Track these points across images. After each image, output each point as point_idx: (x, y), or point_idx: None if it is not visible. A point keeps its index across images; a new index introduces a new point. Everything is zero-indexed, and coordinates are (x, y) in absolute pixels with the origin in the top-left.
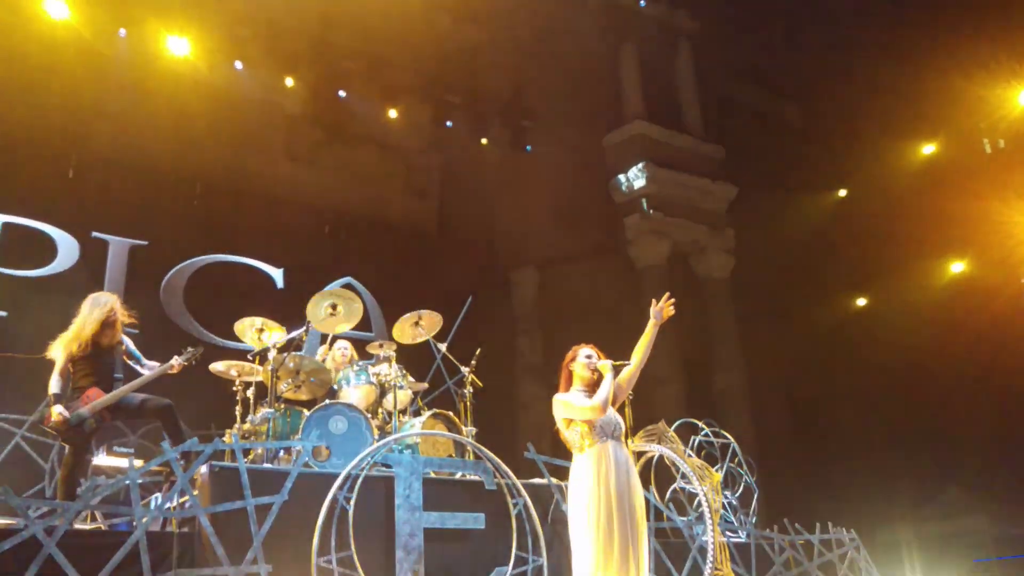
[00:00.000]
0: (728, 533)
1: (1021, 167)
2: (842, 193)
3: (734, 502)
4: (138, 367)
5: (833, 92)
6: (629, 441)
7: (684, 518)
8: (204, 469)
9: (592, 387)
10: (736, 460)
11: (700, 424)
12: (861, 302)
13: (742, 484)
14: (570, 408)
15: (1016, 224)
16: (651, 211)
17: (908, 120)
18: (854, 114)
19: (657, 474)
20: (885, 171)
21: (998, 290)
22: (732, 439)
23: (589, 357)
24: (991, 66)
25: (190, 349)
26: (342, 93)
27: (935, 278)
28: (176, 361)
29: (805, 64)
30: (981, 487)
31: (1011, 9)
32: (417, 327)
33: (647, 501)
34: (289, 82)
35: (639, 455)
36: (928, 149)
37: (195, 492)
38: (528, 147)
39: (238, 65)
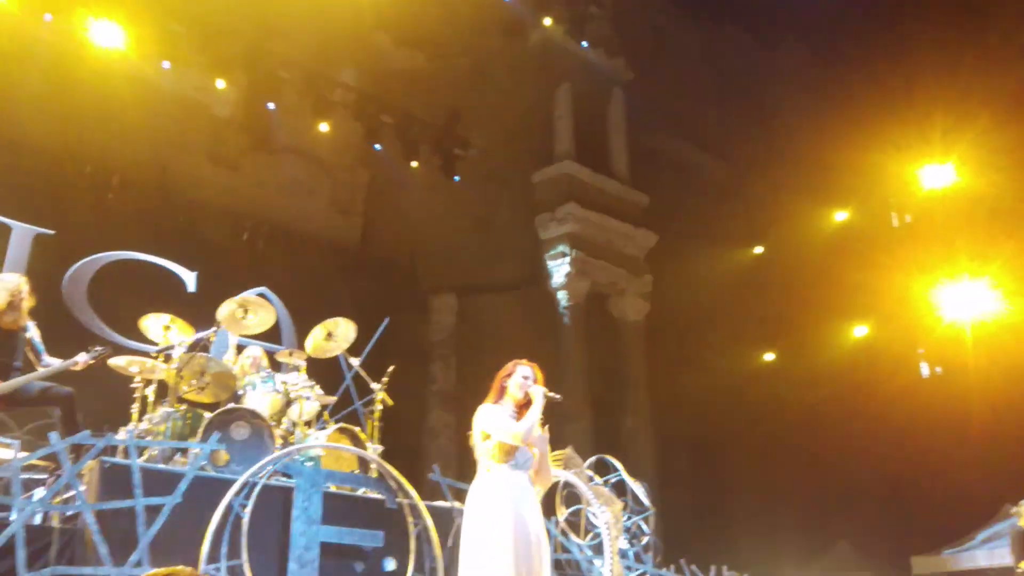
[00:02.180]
0: (627, 567)
1: (924, 243)
2: (758, 250)
3: (641, 524)
4: (36, 361)
5: (756, 153)
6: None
7: (582, 552)
8: (93, 465)
9: (521, 408)
10: (632, 495)
11: (613, 461)
12: (768, 356)
13: (639, 517)
14: (493, 425)
15: (917, 297)
16: (573, 251)
17: (824, 187)
18: (774, 176)
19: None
20: (799, 233)
21: (899, 357)
22: (630, 479)
23: (526, 378)
24: (901, 144)
25: (98, 348)
26: (273, 103)
27: (839, 340)
28: (82, 358)
29: (732, 124)
30: (869, 545)
31: (916, 94)
32: (330, 339)
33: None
34: (220, 84)
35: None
36: (841, 216)
37: (82, 488)
38: (457, 176)
39: (166, 64)
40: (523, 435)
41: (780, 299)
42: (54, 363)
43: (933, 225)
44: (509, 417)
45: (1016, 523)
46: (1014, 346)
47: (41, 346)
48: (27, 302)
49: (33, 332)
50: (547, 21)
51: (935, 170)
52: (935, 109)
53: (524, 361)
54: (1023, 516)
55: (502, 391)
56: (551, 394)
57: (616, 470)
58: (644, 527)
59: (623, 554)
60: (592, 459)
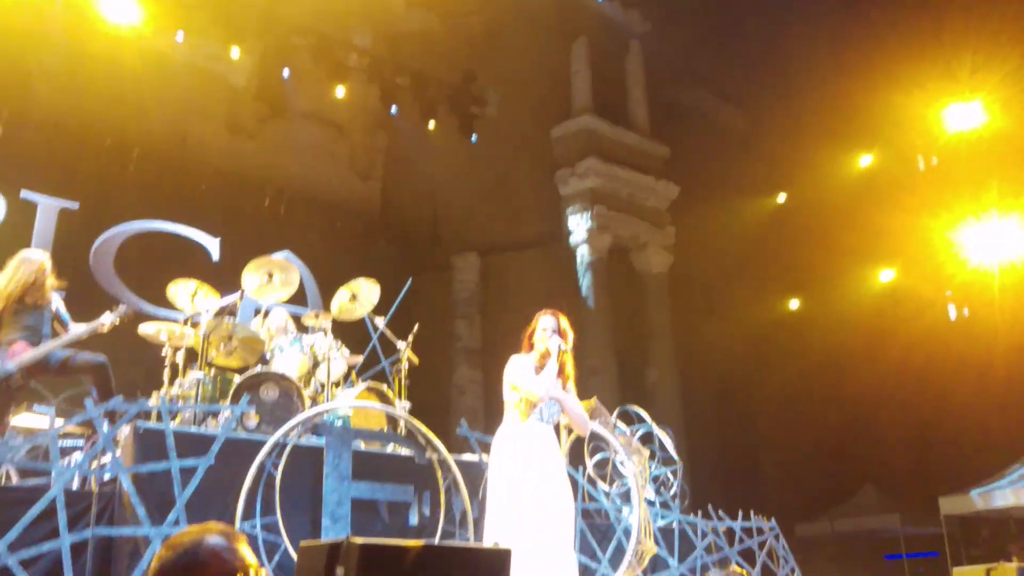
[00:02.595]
0: (656, 515)
1: (951, 185)
2: (781, 198)
3: (669, 475)
4: (63, 330)
5: (777, 101)
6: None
7: (609, 502)
8: (128, 430)
9: (544, 359)
10: (660, 444)
11: (641, 412)
12: (794, 304)
13: (669, 470)
14: (517, 377)
15: (943, 240)
16: (594, 205)
17: (847, 132)
18: (796, 122)
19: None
20: (823, 179)
21: (924, 301)
22: (658, 428)
23: (544, 330)
24: (927, 86)
25: (122, 306)
26: (288, 69)
27: (866, 285)
28: (107, 319)
29: (751, 72)
30: (895, 488)
31: (943, 32)
32: (354, 301)
33: (575, 481)
34: (235, 53)
35: (570, 430)
36: (865, 161)
37: (118, 452)
38: (475, 136)
39: (180, 36)
40: (541, 391)
41: (804, 246)
42: (80, 328)
43: (960, 167)
44: (531, 370)
45: None
46: None
47: (67, 316)
48: (50, 280)
49: (58, 303)
50: None
51: (962, 110)
52: (962, 47)
53: (547, 311)
54: None
55: (531, 343)
56: (563, 346)
57: (643, 421)
58: (671, 477)
59: (650, 503)
60: (618, 410)
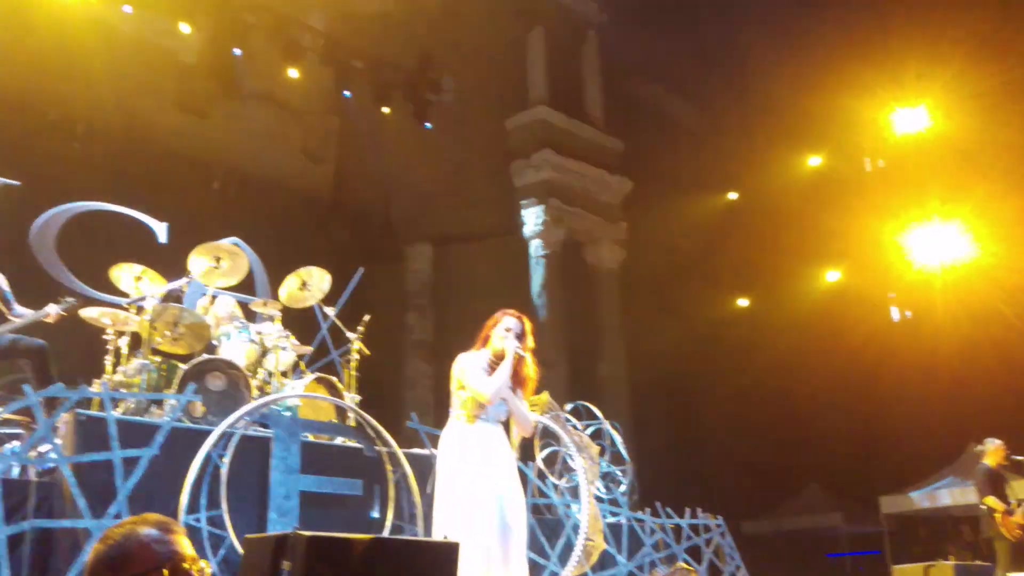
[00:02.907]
0: (605, 511)
1: (896, 188)
2: (732, 196)
3: (618, 473)
4: (6, 310)
5: (730, 99)
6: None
7: (558, 496)
8: (68, 418)
9: (498, 360)
10: (610, 441)
11: (592, 408)
12: (743, 302)
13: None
14: (466, 376)
15: (888, 242)
16: (548, 198)
17: (798, 133)
18: (748, 122)
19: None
20: (773, 178)
21: (870, 302)
22: (608, 425)
23: (508, 330)
24: (875, 90)
25: (69, 299)
26: (240, 48)
27: (813, 286)
28: (53, 310)
29: (706, 69)
30: (838, 487)
31: (890, 38)
32: (304, 289)
33: (524, 477)
34: (185, 29)
35: None
36: (814, 162)
37: (58, 441)
38: (429, 124)
39: (127, 8)
40: (491, 394)
41: (754, 245)
42: (26, 314)
43: (906, 169)
44: (483, 370)
45: (981, 462)
46: (982, 290)
47: (10, 294)
48: None
49: (2, 282)
50: None
51: (908, 114)
52: (908, 53)
53: (512, 312)
54: (987, 455)
55: (486, 340)
56: (521, 352)
57: (595, 417)
58: (620, 476)
59: (599, 499)
60: (569, 406)
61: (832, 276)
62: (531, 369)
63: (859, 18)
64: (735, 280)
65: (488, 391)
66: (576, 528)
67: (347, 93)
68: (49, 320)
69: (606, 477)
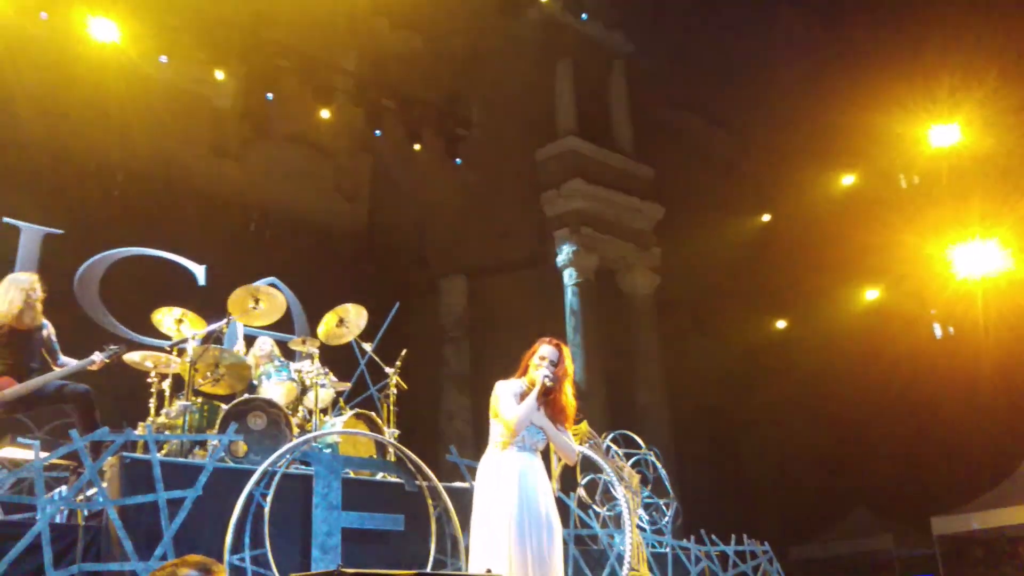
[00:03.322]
0: (649, 540)
1: (933, 203)
2: (766, 218)
3: (659, 503)
4: (52, 360)
5: (760, 121)
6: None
7: (600, 525)
8: (114, 461)
9: (531, 389)
10: (653, 469)
11: (634, 437)
12: (781, 324)
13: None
14: (497, 404)
15: (927, 257)
16: (580, 227)
17: (830, 152)
18: (779, 143)
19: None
20: (807, 199)
21: (910, 319)
22: (647, 449)
23: (542, 359)
24: (908, 106)
25: (113, 347)
26: (272, 92)
27: (851, 305)
28: (98, 357)
29: (734, 92)
30: (887, 508)
31: (923, 55)
32: (341, 325)
33: (566, 507)
34: (219, 75)
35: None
36: (848, 180)
37: (104, 484)
38: (459, 159)
39: (164, 59)
40: (516, 421)
41: (790, 266)
42: (71, 363)
43: (942, 185)
44: (514, 396)
45: None
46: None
47: (56, 345)
48: (41, 299)
49: (49, 331)
50: None
51: (942, 130)
52: (942, 69)
53: (549, 340)
54: None
55: (525, 369)
56: (549, 380)
57: (635, 446)
58: (662, 506)
59: (642, 529)
60: (609, 434)
61: (871, 294)
62: (568, 397)
63: (890, 35)
64: (772, 302)
65: (512, 418)
66: (620, 559)
67: (378, 132)
68: (93, 368)
69: (649, 507)
